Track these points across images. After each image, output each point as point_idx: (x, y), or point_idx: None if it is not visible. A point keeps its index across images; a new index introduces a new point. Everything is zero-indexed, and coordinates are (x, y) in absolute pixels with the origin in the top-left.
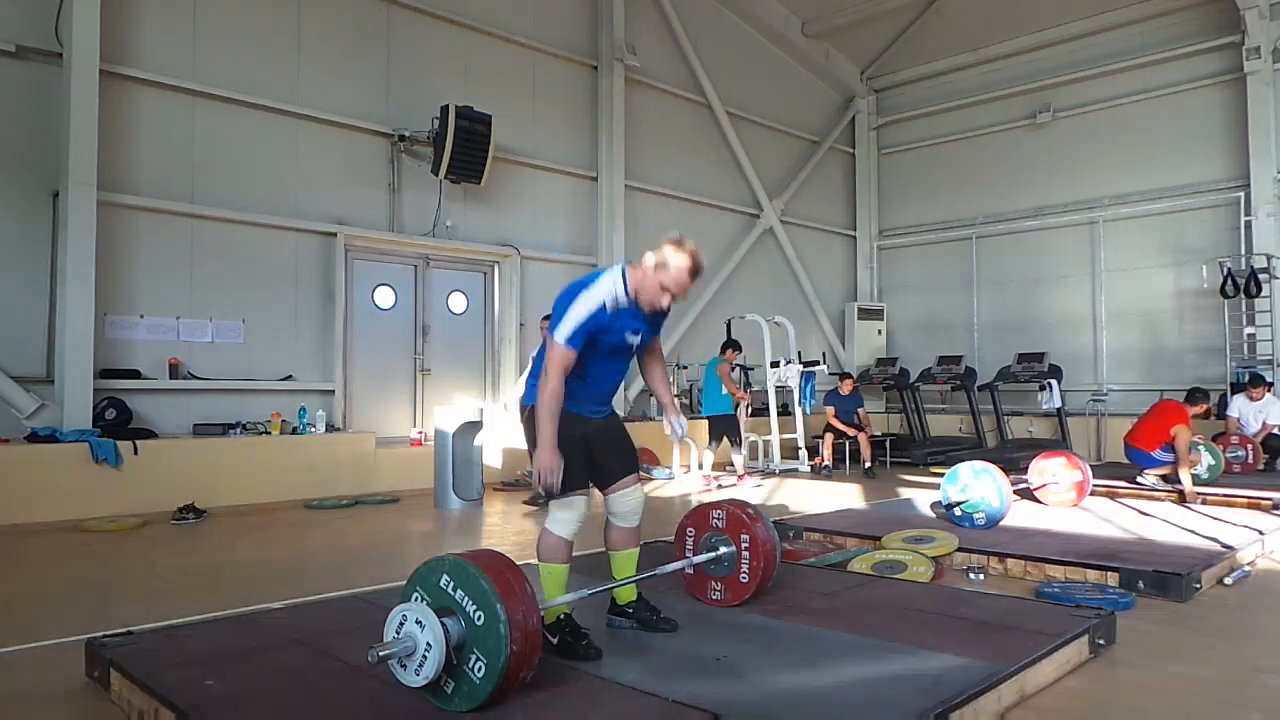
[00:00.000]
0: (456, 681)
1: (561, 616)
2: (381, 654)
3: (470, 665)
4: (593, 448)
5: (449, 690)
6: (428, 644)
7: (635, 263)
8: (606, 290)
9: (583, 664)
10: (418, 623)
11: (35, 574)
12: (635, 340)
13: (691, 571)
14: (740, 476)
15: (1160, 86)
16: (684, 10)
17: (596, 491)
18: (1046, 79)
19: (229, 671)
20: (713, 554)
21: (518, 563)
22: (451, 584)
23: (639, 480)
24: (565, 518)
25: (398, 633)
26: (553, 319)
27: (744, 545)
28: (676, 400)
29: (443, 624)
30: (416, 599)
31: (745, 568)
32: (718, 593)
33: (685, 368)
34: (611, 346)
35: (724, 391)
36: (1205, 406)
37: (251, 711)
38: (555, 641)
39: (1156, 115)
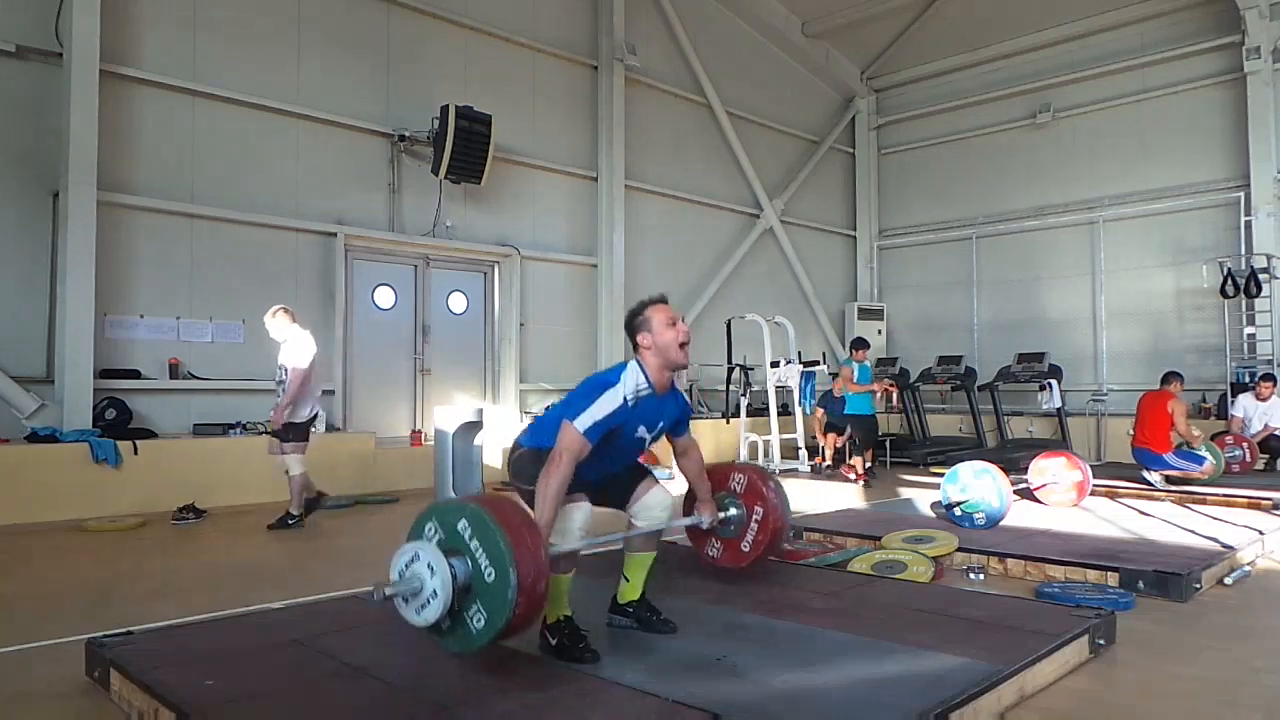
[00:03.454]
0: (454, 624)
1: (563, 618)
2: (388, 592)
3: (470, 614)
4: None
5: (444, 628)
6: (434, 591)
7: (636, 357)
8: (629, 385)
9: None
10: (429, 567)
11: (35, 574)
12: (648, 436)
13: (705, 527)
14: (859, 476)
15: (1160, 86)
16: (684, 10)
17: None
18: (1046, 79)
19: (229, 671)
20: (723, 514)
21: None
22: (469, 532)
23: (656, 482)
24: (568, 526)
25: (406, 568)
26: (571, 406)
27: (755, 516)
28: (712, 499)
29: (451, 570)
30: (430, 533)
31: (750, 538)
32: (716, 550)
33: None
34: (627, 440)
35: (846, 391)
36: (1180, 384)
37: (251, 711)
38: (554, 643)
39: (1156, 115)
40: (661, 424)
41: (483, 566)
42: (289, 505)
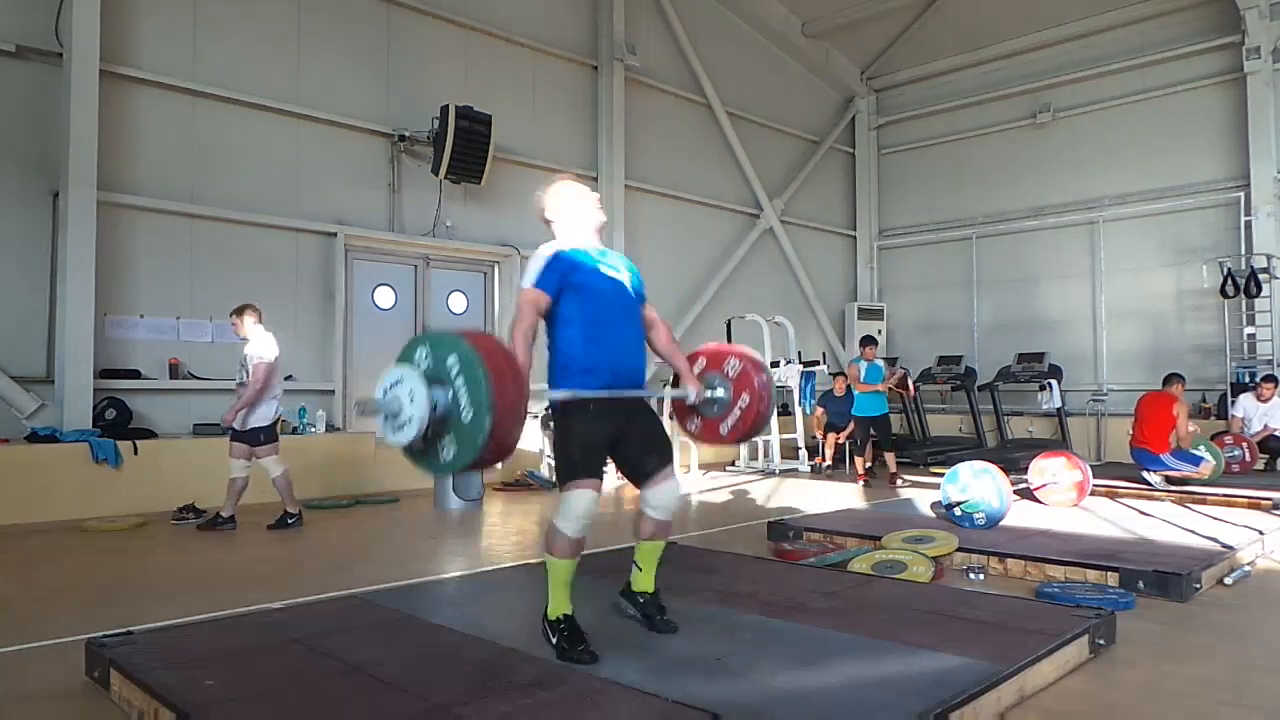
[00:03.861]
0: (426, 448)
1: (563, 616)
2: (364, 408)
3: (442, 444)
4: (623, 441)
5: (415, 449)
6: (411, 417)
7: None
8: (550, 245)
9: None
10: (410, 394)
11: (35, 574)
12: (624, 280)
13: (689, 403)
14: (860, 475)
15: (1160, 86)
16: (684, 10)
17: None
18: (1046, 79)
19: (229, 671)
20: (709, 393)
21: (515, 563)
22: (457, 369)
23: (673, 475)
24: (571, 511)
25: (390, 389)
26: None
27: (741, 403)
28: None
29: (432, 401)
30: (421, 358)
31: (731, 422)
32: (695, 426)
33: None
34: (606, 291)
35: (855, 390)
36: (1182, 386)
37: (251, 711)
38: (554, 642)
39: (1156, 115)
40: (624, 272)
41: (461, 404)
42: (284, 505)
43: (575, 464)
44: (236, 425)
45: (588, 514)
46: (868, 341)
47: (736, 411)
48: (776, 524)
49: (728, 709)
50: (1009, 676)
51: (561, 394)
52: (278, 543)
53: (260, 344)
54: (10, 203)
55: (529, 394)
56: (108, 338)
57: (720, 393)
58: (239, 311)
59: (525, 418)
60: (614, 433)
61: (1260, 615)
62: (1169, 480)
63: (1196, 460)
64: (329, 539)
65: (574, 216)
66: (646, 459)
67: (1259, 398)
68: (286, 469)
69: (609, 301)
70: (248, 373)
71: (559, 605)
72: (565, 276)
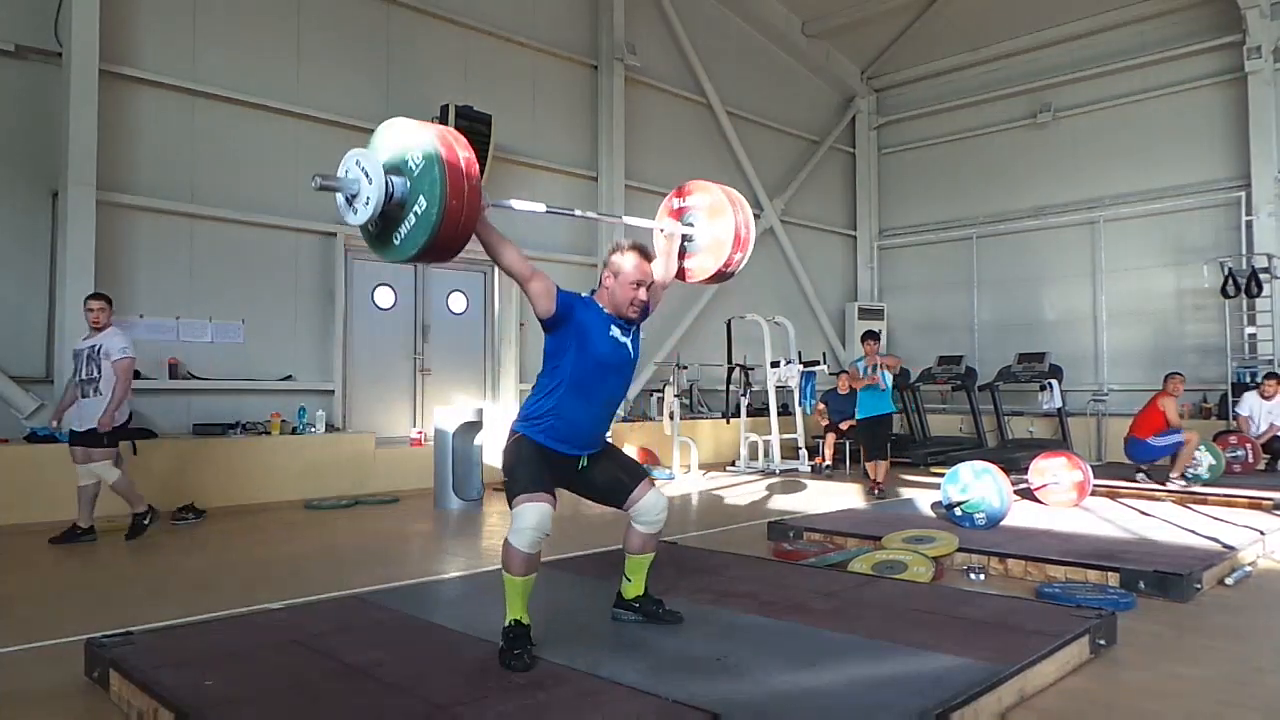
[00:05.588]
0: (378, 231)
1: (513, 621)
2: (323, 183)
3: (391, 231)
4: (590, 479)
5: (368, 230)
6: (358, 211)
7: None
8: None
9: (581, 664)
10: (368, 195)
11: (35, 574)
12: (626, 341)
13: (662, 231)
14: (874, 486)
15: (1160, 86)
16: (684, 10)
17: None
18: (1046, 79)
19: (229, 671)
20: (687, 229)
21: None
22: (421, 180)
23: (652, 484)
24: (521, 527)
25: (353, 168)
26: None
27: (703, 261)
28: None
29: (388, 190)
30: (408, 161)
31: (685, 264)
32: (661, 245)
33: (685, 367)
34: (604, 353)
35: (853, 388)
36: (1176, 382)
37: (251, 711)
38: (500, 644)
39: (1157, 115)
40: (633, 337)
41: (413, 208)
42: (78, 518)
43: (524, 480)
44: (100, 427)
45: (540, 526)
46: (867, 337)
47: (695, 266)
48: (776, 524)
49: (728, 709)
50: (1010, 677)
51: (523, 431)
52: (277, 543)
53: (120, 338)
54: (10, 202)
55: (482, 207)
56: None
57: (694, 236)
58: (105, 299)
59: (474, 226)
60: (569, 470)
61: (1261, 616)
62: (1157, 469)
63: (1178, 430)
64: (329, 539)
65: (614, 304)
66: (617, 480)
67: (1263, 395)
68: (124, 475)
69: (612, 357)
70: (97, 368)
71: (512, 612)
72: (574, 318)
